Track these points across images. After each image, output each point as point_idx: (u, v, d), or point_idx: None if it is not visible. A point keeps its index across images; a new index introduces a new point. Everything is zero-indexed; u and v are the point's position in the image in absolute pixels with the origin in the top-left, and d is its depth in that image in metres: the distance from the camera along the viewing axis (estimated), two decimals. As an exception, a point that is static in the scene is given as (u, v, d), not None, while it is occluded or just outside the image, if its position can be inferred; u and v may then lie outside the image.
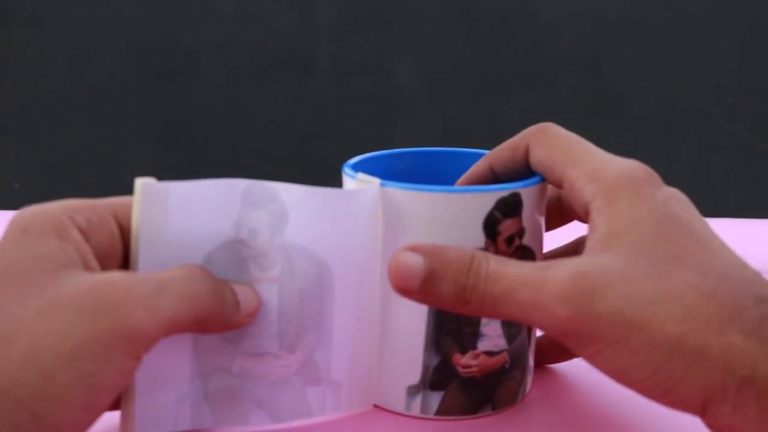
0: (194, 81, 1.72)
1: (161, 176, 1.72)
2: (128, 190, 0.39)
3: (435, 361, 0.39)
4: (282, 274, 0.36)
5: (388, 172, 0.45)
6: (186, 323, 0.32)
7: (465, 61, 1.74)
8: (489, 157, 0.41)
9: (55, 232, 0.32)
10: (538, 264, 0.32)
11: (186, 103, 1.72)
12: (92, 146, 1.72)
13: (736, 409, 0.30)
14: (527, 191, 0.38)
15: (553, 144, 0.37)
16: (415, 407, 0.39)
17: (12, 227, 0.33)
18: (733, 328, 0.30)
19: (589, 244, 0.33)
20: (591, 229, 0.34)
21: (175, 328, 0.31)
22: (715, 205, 1.74)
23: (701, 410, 0.31)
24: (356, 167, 0.43)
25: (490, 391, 0.39)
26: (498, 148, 0.40)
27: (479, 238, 0.37)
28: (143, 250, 0.33)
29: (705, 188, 1.76)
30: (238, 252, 0.35)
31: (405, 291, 0.33)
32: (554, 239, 0.64)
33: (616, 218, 0.33)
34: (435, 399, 0.39)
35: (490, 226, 0.37)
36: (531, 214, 0.39)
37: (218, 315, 0.33)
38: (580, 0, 1.71)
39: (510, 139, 0.40)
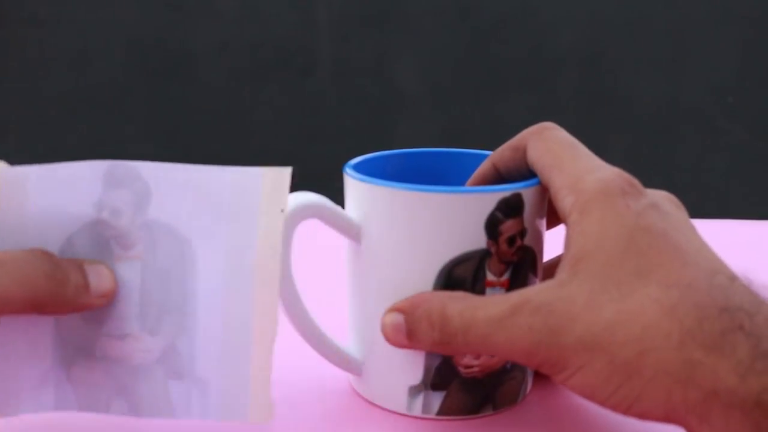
0: (194, 81, 1.72)
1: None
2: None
3: (436, 361, 0.39)
4: (145, 253, 0.36)
5: (390, 172, 0.44)
6: (20, 303, 0.32)
7: (465, 61, 1.74)
8: (493, 157, 0.41)
9: None
10: (508, 300, 0.34)
11: (186, 103, 1.72)
12: (92, 146, 1.71)
13: (703, 419, 0.31)
14: (529, 192, 0.38)
15: (546, 147, 0.38)
16: (417, 407, 0.39)
17: None
18: (694, 343, 0.31)
19: (561, 264, 0.35)
20: (566, 246, 0.35)
21: (8, 306, 0.31)
22: (714, 205, 1.74)
23: (666, 421, 0.32)
24: (357, 167, 0.42)
25: (491, 391, 0.39)
26: (500, 148, 0.41)
27: (481, 238, 0.37)
28: (1, 234, 0.33)
29: (705, 188, 1.76)
30: (100, 232, 0.35)
31: (399, 346, 0.37)
32: (555, 239, 0.64)
33: (587, 236, 0.34)
34: (437, 399, 0.39)
35: (492, 226, 0.37)
36: (532, 214, 0.39)
37: (57, 297, 0.33)
38: (581, 0, 1.71)
39: (512, 139, 0.40)
